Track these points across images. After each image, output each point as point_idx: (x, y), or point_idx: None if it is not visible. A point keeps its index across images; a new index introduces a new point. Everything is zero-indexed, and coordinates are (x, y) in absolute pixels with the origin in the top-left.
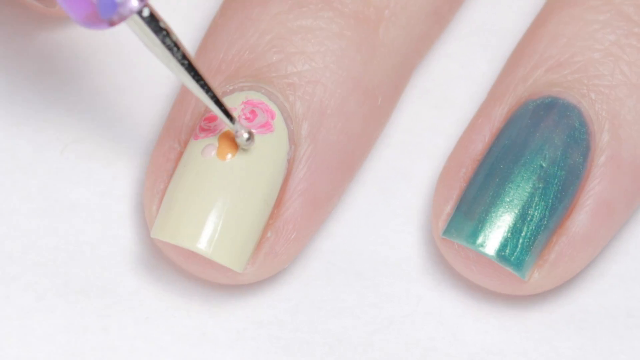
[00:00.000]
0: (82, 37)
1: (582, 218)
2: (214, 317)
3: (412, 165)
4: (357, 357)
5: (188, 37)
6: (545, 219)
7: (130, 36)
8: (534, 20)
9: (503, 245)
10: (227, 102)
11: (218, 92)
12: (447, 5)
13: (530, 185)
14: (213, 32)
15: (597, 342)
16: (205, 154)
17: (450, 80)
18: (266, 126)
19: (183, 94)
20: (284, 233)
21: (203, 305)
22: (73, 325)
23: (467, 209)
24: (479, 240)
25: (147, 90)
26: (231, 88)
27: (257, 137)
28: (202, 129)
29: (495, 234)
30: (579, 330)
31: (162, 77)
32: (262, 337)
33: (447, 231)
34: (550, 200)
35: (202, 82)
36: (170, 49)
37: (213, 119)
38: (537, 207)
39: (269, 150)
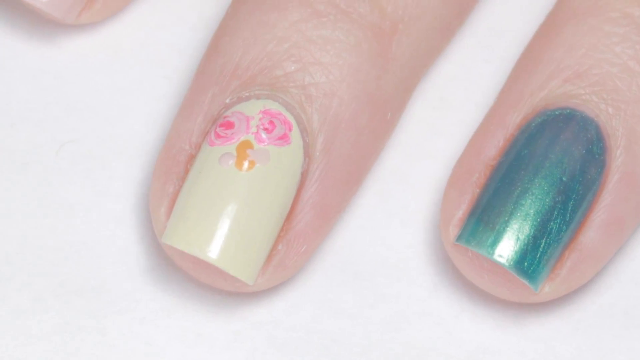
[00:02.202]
0: (82, 37)
1: (593, 234)
2: (211, 318)
3: (411, 167)
4: (354, 358)
5: (185, 37)
6: (562, 232)
7: (130, 36)
8: (547, 27)
9: (522, 258)
10: (244, 108)
11: None
12: (457, 20)
13: (551, 198)
14: (224, 33)
15: (594, 341)
16: (222, 162)
17: (450, 83)
18: (284, 138)
19: (193, 95)
20: (295, 246)
21: (199, 305)
22: (69, 325)
23: (484, 218)
24: (499, 250)
25: (146, 90)
26: (247, 94)
27: (275, 150)
28: (219, 136)
29: (515, 246)
30: (576, 330)
31: (162, 78)
32: (259, 338)
33: (465, 238)
34: (568, 214)
35: None
36: None
37: (230, 125)
38: (555, 221)
39: (286, 162)
